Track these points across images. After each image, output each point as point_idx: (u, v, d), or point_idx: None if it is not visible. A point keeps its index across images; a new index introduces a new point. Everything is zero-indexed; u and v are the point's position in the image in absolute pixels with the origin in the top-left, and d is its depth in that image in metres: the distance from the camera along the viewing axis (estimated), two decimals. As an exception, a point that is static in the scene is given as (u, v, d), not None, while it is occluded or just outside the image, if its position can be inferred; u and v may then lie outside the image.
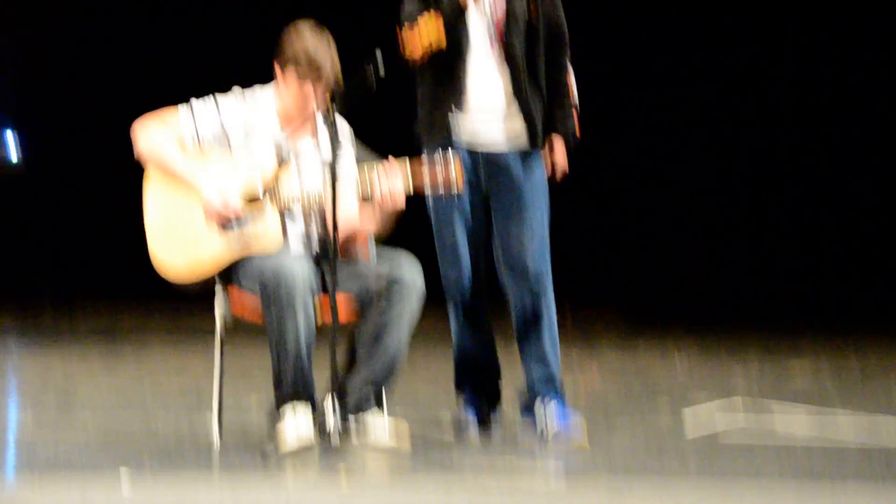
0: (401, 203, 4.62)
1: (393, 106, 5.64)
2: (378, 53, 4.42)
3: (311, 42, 4.68)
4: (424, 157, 4.68)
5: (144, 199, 4.78)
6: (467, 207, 4.92)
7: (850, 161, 9.60)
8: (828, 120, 9.61)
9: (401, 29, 4.83)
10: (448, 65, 4.83)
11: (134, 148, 4.77)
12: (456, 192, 4.64)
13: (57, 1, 8.32)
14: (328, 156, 4.54)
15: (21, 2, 8.26)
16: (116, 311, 8.52)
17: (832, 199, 9.36)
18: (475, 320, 4.99)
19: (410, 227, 4.98)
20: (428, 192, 4.72)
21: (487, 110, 4.87)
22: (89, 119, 8.25)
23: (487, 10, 4.84)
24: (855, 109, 9.59)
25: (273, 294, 4.50)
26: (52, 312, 8.35)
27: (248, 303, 4.69)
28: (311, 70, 4.68)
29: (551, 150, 4.95)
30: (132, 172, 4.94)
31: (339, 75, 4.70)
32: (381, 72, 4.50)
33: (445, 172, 4.58)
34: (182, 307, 7.94)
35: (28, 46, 8.29)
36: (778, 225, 8.42)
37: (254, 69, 5.05)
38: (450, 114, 4.85)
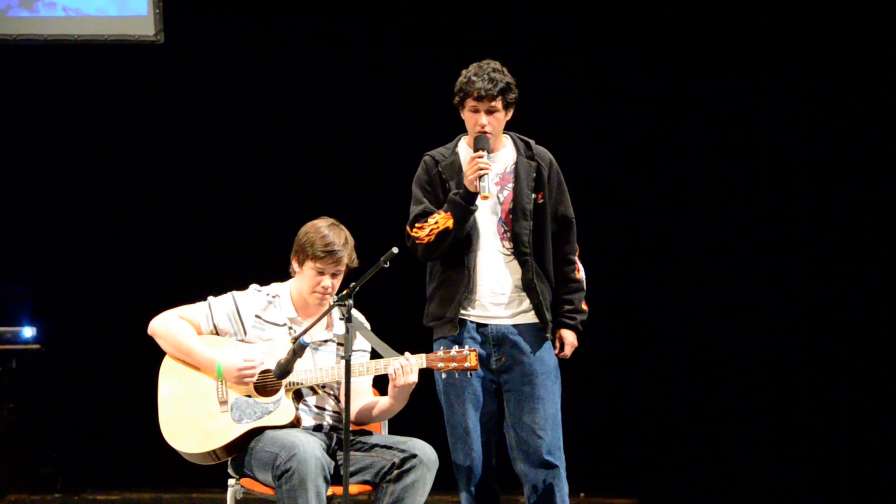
0: (414, 379, 4.68)
1: (407, 299, 5.69)
2: (395, 250, 4.50)
3: (329, 237, 4.78)
4: (440, 353, 4.71)
5: (158, 385, 4.82)
6: (478, 389, 4.92)
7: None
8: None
9: (411, 229, 4.91)
10: (457, 260, 4.89)
11: (148, 326, 4.85)
12: (469, 374, 4.72)
13: (74, 211, 8.56)
14: (343, 349, 4.58)
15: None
16: (128, 488, 8.48)
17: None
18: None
19: (422, 417, 4.99)
20: (441, 375, 4.77)
21: (498, 304, 4.92)
22: (107, 311, 8.37)
23: (497, 204, 4.90)
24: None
25: (285, 475, 4.51)
26: (62, 493, 8.30)
27: (261, 489, 4.71)
28: (330, 264, 4.76)
29: (560, 339, 5.01)
30: (148, 361, 5.00)
31: (356, 263, 4.79)
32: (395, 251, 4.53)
33: (460, 363, 4.63)
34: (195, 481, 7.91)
35: (47, 253, 8.53)
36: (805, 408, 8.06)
37: (269, 269, 5.12)
38: (461, 310, 4.90)
